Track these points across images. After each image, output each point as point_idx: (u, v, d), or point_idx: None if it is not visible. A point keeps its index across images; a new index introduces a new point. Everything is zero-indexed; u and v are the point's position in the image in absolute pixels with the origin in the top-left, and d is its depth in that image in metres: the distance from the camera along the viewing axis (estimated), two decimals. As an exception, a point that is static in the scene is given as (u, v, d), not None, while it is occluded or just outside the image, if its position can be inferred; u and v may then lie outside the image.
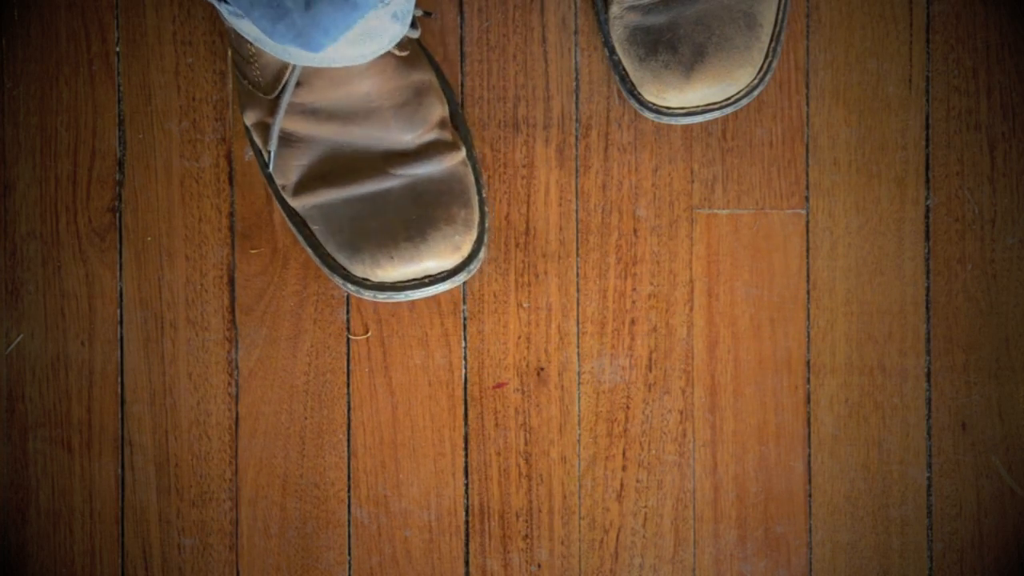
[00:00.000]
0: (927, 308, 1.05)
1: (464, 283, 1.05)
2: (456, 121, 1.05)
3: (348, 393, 1.06)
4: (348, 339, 1.06)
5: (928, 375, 1.05)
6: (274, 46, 0.95)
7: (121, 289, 1.07)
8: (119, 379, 1.06)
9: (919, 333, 1.05)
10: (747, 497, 1.05)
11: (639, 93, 1.03)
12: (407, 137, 1.01)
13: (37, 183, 1.07)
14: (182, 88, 1.07)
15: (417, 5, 1.03)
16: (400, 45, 1.00)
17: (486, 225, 1.03)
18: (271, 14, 0.86)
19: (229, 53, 1.06)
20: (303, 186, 1.01)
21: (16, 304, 1.07)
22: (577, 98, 1.06)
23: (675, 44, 1.01)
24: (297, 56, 0.95)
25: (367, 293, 1.01)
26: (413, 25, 1.00)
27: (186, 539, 1.06)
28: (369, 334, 1.06)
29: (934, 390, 1.05)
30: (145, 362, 1.06)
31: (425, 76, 1.02)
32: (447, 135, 1.02)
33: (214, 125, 1.06)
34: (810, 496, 1.06)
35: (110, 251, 1.07)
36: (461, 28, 1.07)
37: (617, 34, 1.03)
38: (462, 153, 1.03)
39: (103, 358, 1.06)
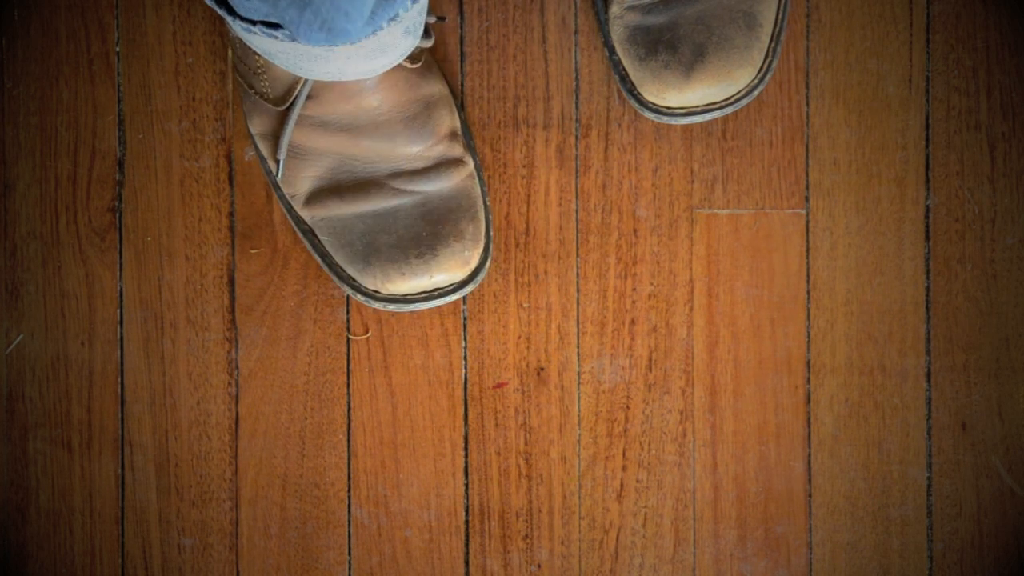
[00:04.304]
0: (927, 308, 1.06)
1: (464, 283, 1.06)
2: (466, 129, 1.05)
3: (348, 393, 1.06)
4: (348, 339, 1.06)
5: (928, 375, 1.05)
6: (284, 60, 0.95)
7: (121, 289, 1.07)
8: (119, 379, 1.06)
9: (919, 333, 1.05)
10: (747, 497, 1.05)
11: (639, 93, 1.03)
12: (415, 149, 1.01)
13: (37, 183, 1.07)
14: (182, 88, 1.07)
15: (429, 11, 1.03)
16: (412, 57, 1.00)
17: (491, 234, 1.03)
18: (297, 3, 0.86)
19: (229, 55, 1.06)
20: (313, 198, 1.02)
21: (16, 304, 1.07)
22: (577, 98, 1.06)
23: (675, 44, 1.01)
24: (308, 70, 0.95)
25: (376, 304, 1.01)
26: (426, 34, 1.00)
27: (186, 539, 1.06)
28: (369, 334, 1.06)
29: (934, 390, 1.05)
30: (145, 362, 1.06)
31: (436, 88, 1.02)
32: (456, 147, 1.02)
33: (214, 125, 1.06)
34: (810, 496, 1.06)
35: (110, 251, 1.07)
36: (461, 28, 1.07)
37: (617, 34, 1.03)
38: (470, 166, 1.03)
39: (103, 358, 1.06)
